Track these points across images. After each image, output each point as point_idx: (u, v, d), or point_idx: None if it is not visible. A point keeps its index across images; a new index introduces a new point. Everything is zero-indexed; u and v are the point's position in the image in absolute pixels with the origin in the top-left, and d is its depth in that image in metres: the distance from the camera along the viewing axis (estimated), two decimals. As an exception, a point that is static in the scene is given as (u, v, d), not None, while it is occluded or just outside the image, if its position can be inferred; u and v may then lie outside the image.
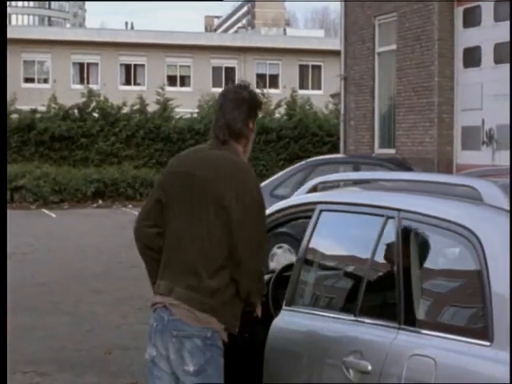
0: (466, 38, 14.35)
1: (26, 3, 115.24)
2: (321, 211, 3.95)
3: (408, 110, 15.31)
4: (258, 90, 4.03)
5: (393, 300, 3.41)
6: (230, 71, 45.76)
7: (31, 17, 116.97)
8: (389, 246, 3.55)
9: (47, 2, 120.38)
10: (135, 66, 45.07)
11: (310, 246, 3.96)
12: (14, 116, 25.17)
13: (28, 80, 43.24)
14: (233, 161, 3.58)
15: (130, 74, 45.29)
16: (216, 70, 45.61)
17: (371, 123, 16.68)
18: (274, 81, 45.26)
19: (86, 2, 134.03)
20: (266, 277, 4.12)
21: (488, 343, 2.97)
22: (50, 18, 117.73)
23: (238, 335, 3.62)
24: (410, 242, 3.46)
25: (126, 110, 26.38)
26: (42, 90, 36.68)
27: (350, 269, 3.97)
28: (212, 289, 3.45)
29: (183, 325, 3.44)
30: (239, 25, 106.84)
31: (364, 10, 16.68)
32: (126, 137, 25.72)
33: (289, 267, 4.25)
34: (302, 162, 12.62)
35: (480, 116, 14.01)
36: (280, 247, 10.45)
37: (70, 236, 16.37)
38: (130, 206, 23.25)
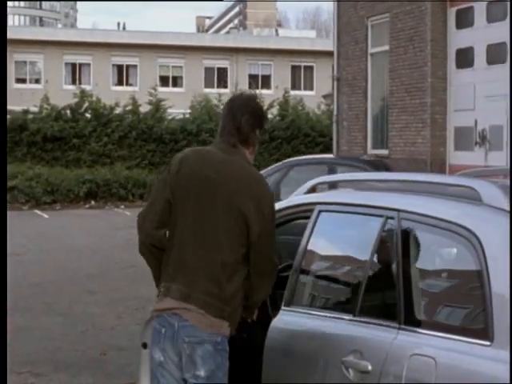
0: (458, 38, 14.36)
1: (16, 3, 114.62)
2: (319, 212, 3.95)
3: (401, 110, 15.31)
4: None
5: (393, 300, 3.42)
6: (222, 72, 45.75)
7: (22, 17, 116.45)
8: (388, 246, 3.56)
9: (38, 2, 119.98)
10: (127, 66, 44.98)
11: (309, 246, 3.96)
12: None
13: (20, 80, 43.07)
14: (251, 171, 3.61)
15: (122, 75, 45.19)
16: (208, 71, 45.57)
17: (364, 124, 16.68)
18: (266, 81, 45.23)
19: (78, 2, 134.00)
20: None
21: (488, 343, 2.99)
22: (41, 18, 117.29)
23: (236, 336, 3.61)
24: (410, 242, 3.47)
25: (118, 110, 26.34)
26: (34, 90, 36.64)
27: (350, 269, 3.98)
28: (229, 295, 3.47)
29: (194, 330, 3.42)
30: (231, 25, 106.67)
31: (357, 11, 16.68)
32: (118, 137, 25.68)
33: (287, 267, 4.25)
34: (279, 163, 13.03)
35: (473, 117, 14.02)
36: None
37: (63, 237, 16.33)
38: (123, 206, 23.24)
